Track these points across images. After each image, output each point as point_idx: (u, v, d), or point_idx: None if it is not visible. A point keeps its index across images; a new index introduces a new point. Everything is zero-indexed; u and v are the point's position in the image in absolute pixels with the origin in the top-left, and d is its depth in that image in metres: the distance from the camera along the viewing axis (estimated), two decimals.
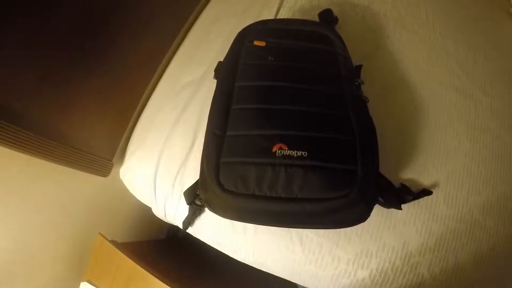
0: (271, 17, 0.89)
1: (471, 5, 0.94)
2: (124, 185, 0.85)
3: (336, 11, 0.86)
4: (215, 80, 0.73)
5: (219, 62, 0.74)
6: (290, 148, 0.54)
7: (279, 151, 0.54)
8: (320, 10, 0.86)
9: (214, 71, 0.75)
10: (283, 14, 0.90)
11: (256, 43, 0.70)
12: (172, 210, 0.76)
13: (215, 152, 0.57)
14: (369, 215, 0.57)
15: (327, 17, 0.84)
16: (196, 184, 0.64)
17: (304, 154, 0.53)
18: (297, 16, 0.89)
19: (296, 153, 0.53)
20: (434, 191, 0.67)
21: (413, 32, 0.86)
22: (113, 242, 0.77)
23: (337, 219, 0.56)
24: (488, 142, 0.73)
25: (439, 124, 0.74)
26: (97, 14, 0.68)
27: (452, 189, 0.68)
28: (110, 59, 0.75)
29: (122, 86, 0.81)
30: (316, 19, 0.85)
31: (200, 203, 0.63)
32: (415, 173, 0.69)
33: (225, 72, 0.68)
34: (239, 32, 0.74)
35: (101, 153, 0.79)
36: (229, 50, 0.72)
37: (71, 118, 0.69)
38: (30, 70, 0.57)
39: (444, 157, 0.71)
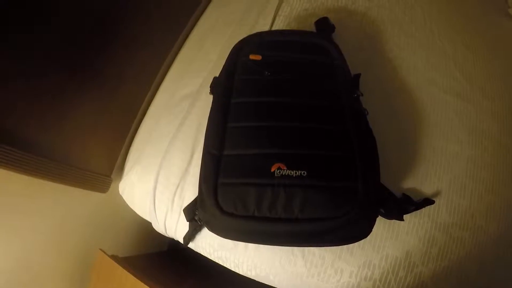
0: (267, 25, 0.88)
1: (468, 7, 0.93)
2: (124, 199, 0.85)
3: (332, 19, 0.85)
4: None
5: (215, 78, 0.73)
6: (289, 168, 0.53)
7: (278, 171, 0.53)
8: (316, 18, 0.85)
9: (210, 87, 0.74)
10: (279, 23, 0.89)
11: (252, 57, 0.68)
12: (173, 225, 0.75)
13: (213, 172, 0.56)
14: (370, 231, 0.56)
15: (324, 25, 0.83)
16: (195, 201, 0.63)
17: (303, 173, 0.53)
18: (293, 24, 0.88)
19: (295, 173, 0.53)
20: (437, 199, 0.66)
21: (411, 37, 0.86)
22: (114, 257, 0.77)
23: (338, 237, 0.55)
24: (490, 146, 0.73)
25: (440, 130, 0.74)
26: (90, 28, 0.68)
27: (454, 196, 0.68)
28: (105, 73, 0.74)
29: (118, 100, 0.81)
30: (313, 27, 0.85)
31: (199, 222, 0.63)
32: (417, 182, 0.69)
33: (220, 88, 0.67)
34: (234, 46, 0.73)
35: (99, 169, 0.78)
36: (224, 65, 0.71)
37: (66, 135, 0.69)
38: (23, 89, 0.57)
39: (446, 164, 0.71)
